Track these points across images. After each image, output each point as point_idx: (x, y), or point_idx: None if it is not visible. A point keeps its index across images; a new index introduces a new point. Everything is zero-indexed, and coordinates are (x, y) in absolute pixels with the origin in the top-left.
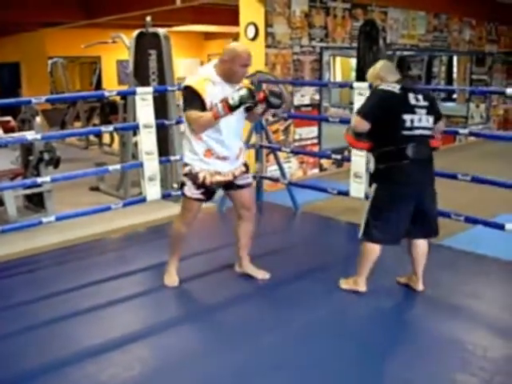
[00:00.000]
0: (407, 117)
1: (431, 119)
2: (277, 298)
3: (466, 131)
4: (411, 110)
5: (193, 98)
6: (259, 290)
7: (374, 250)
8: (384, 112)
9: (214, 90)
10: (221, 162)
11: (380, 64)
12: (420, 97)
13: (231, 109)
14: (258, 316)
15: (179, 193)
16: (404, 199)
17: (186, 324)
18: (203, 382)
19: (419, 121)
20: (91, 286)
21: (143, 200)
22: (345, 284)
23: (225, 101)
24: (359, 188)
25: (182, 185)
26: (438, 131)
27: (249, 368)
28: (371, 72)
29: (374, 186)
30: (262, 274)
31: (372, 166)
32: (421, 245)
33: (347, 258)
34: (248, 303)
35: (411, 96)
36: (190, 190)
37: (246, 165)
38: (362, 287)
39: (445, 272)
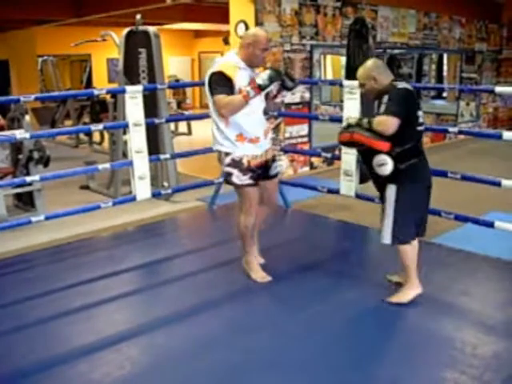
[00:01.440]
0: (420, 113)
1: None
2: (268, 297)
3: (455, 129)
4: (419, 106)
5: (223, 83)
6: (250, 289)
7: (411, 247)
8: (408, 110)
9: (242, 75)
10: (253, 146)
11: (371, 63)
12: None
13: (261, 88)
14: (249, 314)
15: (169, 191)
16: (424, 195)
17: (177, 322)
18: (194, 381)
19: (422, 117)
20: (81, 285)
21: (133, 199)
22: (404, 297)
23: (253, 82)
24: (349, 186)
25: (228, 175)
26: None
27: (240, 366)
28: (362, 72)
29: (393, 187)
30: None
31: (389, 167)
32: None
33: (338, 255)
34: (239, 302)
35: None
36: (239, 178)
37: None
38: (418, 288)
39: (435, 269)
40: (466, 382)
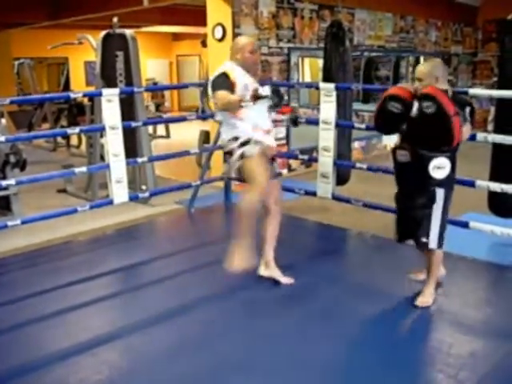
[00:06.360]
0: None
1: None
2: (244, 299)
3: None
4: None
5: (223, 81)
6: (227, 292)
7: (442, 253)
8: None
9: (240, 74)
10: (266, 135)
11: (436, 63)
12: None
13: (256, 98)
14: (226, 317)
15: (147, 194)
16: None
17: (154, 326)
18: None
19: None
20: (58, 290)
21: (110, 202)
22: (427, 300)
23: (254, 90)
24: (326, 188)
25: (241, 156)
26: None
27: (216, 369)
28: (424, 69)
29: (441, 191)
30: (287, 280)
31: (446, 172)
32: None
33: (315, 256)
34: (216, 305)
35: None
36: (250, 151)
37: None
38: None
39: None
40: (442, 380)
